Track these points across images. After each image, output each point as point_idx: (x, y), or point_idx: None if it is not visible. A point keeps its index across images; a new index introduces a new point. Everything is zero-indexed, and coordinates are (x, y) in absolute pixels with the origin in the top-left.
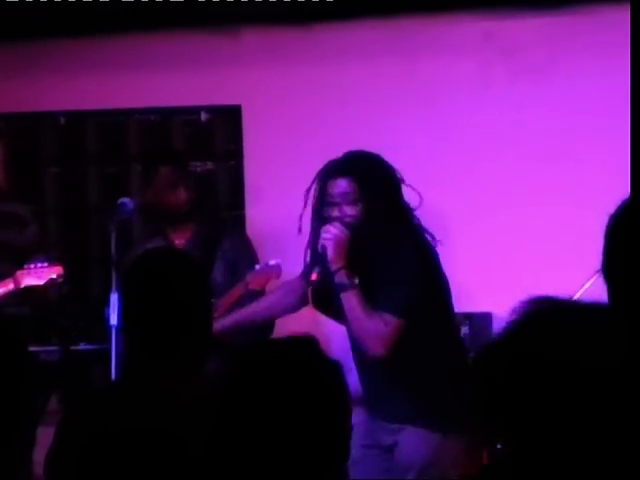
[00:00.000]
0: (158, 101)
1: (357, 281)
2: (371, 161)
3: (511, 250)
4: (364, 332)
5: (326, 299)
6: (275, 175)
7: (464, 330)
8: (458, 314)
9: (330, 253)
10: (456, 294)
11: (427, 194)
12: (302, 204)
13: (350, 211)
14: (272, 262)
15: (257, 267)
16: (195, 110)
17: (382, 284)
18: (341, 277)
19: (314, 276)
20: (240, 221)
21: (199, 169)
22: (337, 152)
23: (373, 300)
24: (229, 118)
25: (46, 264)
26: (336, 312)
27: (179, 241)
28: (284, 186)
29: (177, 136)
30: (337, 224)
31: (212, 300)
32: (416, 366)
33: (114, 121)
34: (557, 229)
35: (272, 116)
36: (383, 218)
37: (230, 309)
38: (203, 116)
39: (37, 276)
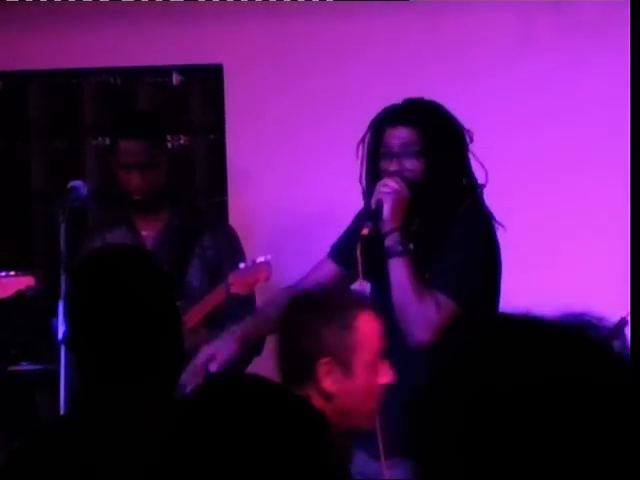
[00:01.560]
0: (119, 60)
1: (411, 248)
2: (438, 111)
3: (557, 238)
4: (410, 311)
5: (376, 264)
6: (265, 153)
7: None
8: None
9: (387, 210)
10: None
11: None
12: (301, 188)
13: (410, 165)
14: (260, 259)
15: (242, 266)
16: (165, 71)
17: (441, 258)
18: (394, 240)
19: (365, 230)
20: (222, 210)
21: (171, 145)
22: (342, 124)
23: (426, 275)
24: (208, 81)
25: (12, 273)
26: (384, 284)
27: (148, 232)
28: (276, 166)
29: (143, 103)
30: (397, 178)
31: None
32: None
33: (64, 84)
34: (611, 214)
35: (262, 79)
36: (450, 178)
37: (205, 319)
38: (175, 78)
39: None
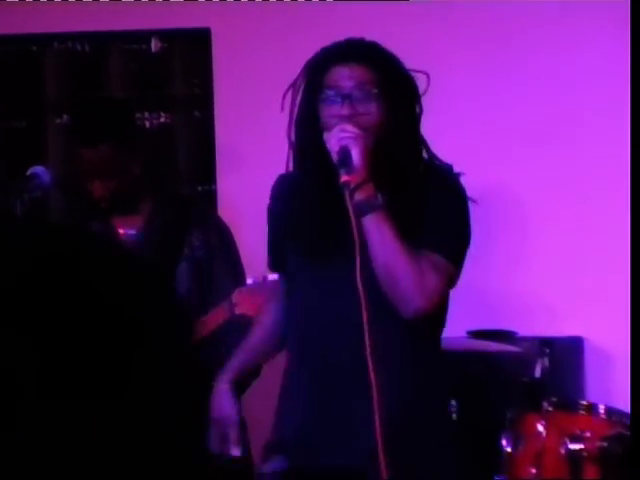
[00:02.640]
0: (88, 24)
1: (384, 202)
2: (389, 52)
3: (601, 242)
4: (402, 274)
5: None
6: (259, 132)
7: (542, 363)
8: (530, 339)
9: (356, 156)
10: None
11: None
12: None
13: (365, 109)
14: (271, 276)
15: (249, 281)
16: (143, 36)
17: (422, 216)
18: (368, 191)
19: (346, 176)
20: (210, 199)
21: (149, 123)
22: None
23: (407, 238)
24: (193, 48)
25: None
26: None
27: (126, 230)
28: (271, 147)
29: (115, 74)
30: (353, 124)
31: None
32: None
33: (23, 52)
34: None
35: (255, 45)
36: (410, 129)
37: (206, 340)
38: (154, 45)
39: None
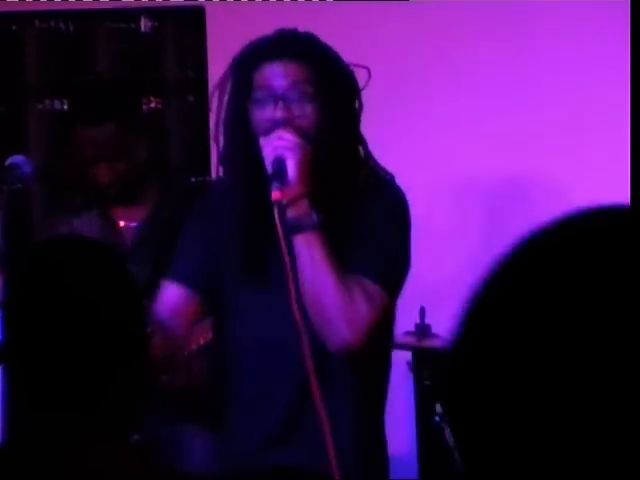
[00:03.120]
0: (72, 1)
1: (320, 220)
2: (326, 45)
3: None
4: (332, 303)
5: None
6: None
7: None
8: None
9: (291, 168)
10: None
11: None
12: None
13: (301, 111)
14: None
15: None
16: (132, 15)
17: (357, 235)
18: (302, 208)
19: (277, 193)
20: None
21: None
22: None
23: (339, 258)
24: (186, 28)
25: None
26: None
27: (128, 222)
28: None
29: (102, 56)
30: (290, 129)
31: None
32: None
33: (1, 32)
34: None
35: (253, 26)
36: (350, 133)
37: (202, 349)
38: (144, 24)
39: None
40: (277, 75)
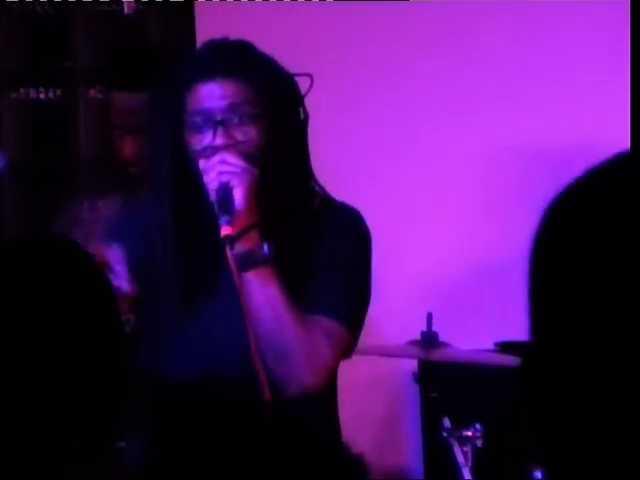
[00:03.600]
0: None
1: (273, 253)
2: (263, 54)
3: None
4: (290, 345)
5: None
6: None
7: None
8: None
9: (239, 197)
10: None
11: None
12: None
13: (244, 135)
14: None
15: None
16: None
17: (315, 267)
18: (253, 241)
19: (227, 229)
20: None
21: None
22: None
23: (295, 293)
24: (173, 10)
25: None
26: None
27: None
28: None
29: (81, 41)
30: (235, 153)
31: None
32: None
33: None
34: None
35: (244, 8)
36: (300, 153)
37: None
38: (127, 6)
39: None
40: (214, 97)
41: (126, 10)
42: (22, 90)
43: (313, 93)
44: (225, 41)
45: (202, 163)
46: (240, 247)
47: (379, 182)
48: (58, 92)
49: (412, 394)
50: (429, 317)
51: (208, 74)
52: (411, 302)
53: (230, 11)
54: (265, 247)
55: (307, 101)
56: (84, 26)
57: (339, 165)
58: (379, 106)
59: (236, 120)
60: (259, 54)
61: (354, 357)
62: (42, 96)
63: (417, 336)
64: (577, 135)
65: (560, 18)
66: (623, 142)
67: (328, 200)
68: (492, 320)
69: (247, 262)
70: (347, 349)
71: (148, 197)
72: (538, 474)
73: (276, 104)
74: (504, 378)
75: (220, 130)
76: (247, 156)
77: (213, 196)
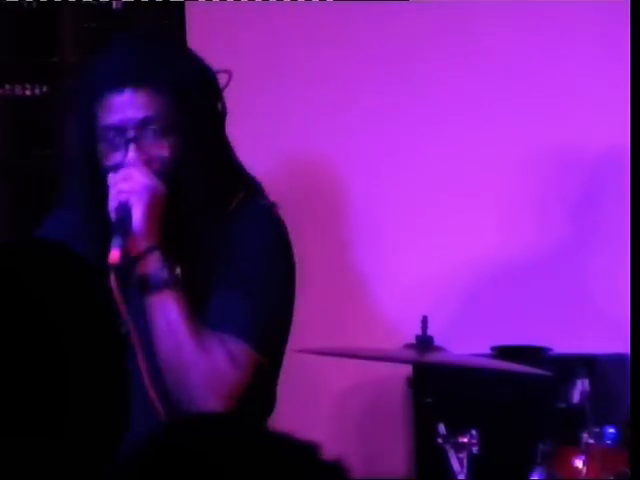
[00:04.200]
0: None
1: (179, 273)
2: (184, 55)
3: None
4: (190, 368)
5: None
6: (242, 107)
7: (581, 386)
8: (567, 357)
9: (137, 217)
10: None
11: None
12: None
13: (156, 150)
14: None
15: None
16: None
17: (221, 284)
18: (154, 264)
19: (116, 254)
20: None
21: None
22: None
23: (201, 313)
24: (163, 4)
25: None
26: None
27: None
28: (259, 125)
29: (68, 37)
30: (140, 167)
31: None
32: None
33: None
34: None
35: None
36: (217, 163)
37: None
38: (115, 2)
39: None
40: (125, 109)
41: (115, 5)
42: (7, 86)
43: (312, 93)
44: (137, 43)
45: (109, 177)
46: (139, 269)
47: (376, 184)
48: (44, 88)
49: (406, 399)
50: (424, 320)
51: (116, 84)
52: (406, 305)
53: (220, 6)
54: (165, 270)
55: (307, 101)
56: (71, 21)
57: (338, 165)
58: (379, 106)
59: (149, 135)
60: (172, 55)
61: (347, 361)
62: (28, 92)
63: (412, 340)
64: (577, 135)
65: (560, 18)
66: (623, 142)
67: (248, 198)
68: (488, 324)
69: (145, 285)
70: (259, 367)
71: (62, 212)
72: None
73: (190, 114)
74: (501, 383)
75: (132, 147)
76: (158, 172)
77: (112, 216)
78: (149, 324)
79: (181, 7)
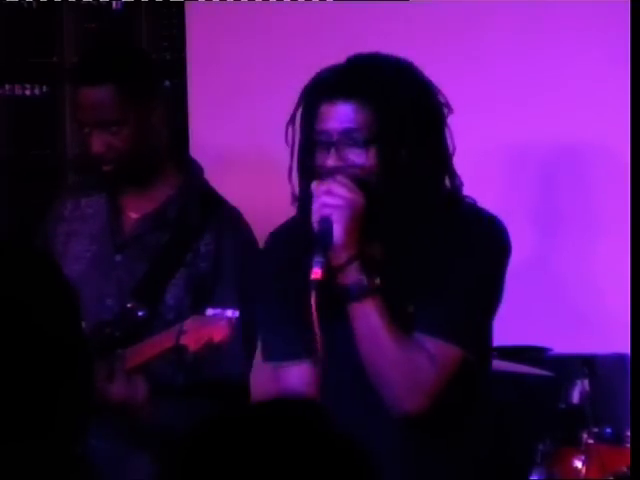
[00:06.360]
0: None
1: (378, 282)
2: (397, 72)
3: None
4: (391, 371)
5: (334, 313)
6: (239, 105)
7: (581, 386)
8: (567, 357)
9: (338, 231)
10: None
11: None
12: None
13: (357, 158)
14: (228, 313)
15: (209, 312)
16: None
17: (428, 287)
18: (354, 275)
19: (317, 271)
20: None
21: None
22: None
23: (402, 318)
24: (162, 4)
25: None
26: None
27: (137, 214)
28: (256, 123)
29: (68, 36)
30: (342, 179)
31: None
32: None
33: None
34: None
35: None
36: (421, 173)
37: (146, 364)
38: (115, 2)
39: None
40: (333, 118)
41: (115, 6)
42: (7, 86)
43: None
44: (361, 57)
45: (313, 185)
46: (340, 280)
47: None
48: (44, 88)
49: None
50: None
51: (329, 93)
52: None
53: (220, 8)
54: (365, 280)
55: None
56: (71, 21)
57: None
58: None
59: (348, 143)
60: (392, 72)
61: None
62: (28, 92)
63: None
64: (577, 135)
65: (560, 18)
66: (623, 142)
67: (459, 208)
68: None
69: (349, 294)
70: (457, 365)
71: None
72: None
73: (396, 129)
74: (500, 384)
75: (333, 152)
76: (358, 180)
77: (315, 227)
78: (351, 329)
79: (181, 7)
